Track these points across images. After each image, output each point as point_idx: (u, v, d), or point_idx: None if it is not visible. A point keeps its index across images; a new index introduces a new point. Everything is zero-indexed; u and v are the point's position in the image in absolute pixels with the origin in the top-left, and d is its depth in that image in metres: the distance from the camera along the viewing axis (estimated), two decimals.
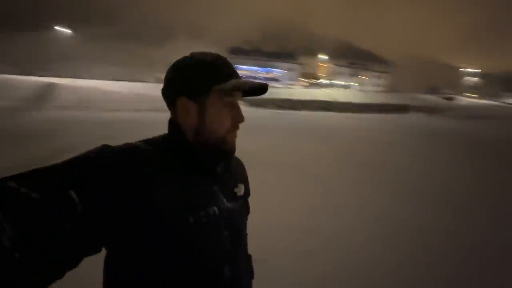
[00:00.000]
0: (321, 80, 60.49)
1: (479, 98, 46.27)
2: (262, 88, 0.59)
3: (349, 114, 19.84)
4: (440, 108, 26.63)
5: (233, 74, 0.59)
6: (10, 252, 0.37)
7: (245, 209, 0.71)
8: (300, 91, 39.60)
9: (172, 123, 0.60)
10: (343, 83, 57.94)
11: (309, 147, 7.62)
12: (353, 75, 62.30)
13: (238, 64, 76.45)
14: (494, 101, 42.22)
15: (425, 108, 25.43)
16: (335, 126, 13.08)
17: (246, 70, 77.49)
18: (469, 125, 16.69)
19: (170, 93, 0.59)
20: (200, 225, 0.54)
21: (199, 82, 0.56)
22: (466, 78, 65.25)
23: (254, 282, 0.75)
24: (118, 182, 0.47)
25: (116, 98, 16.52)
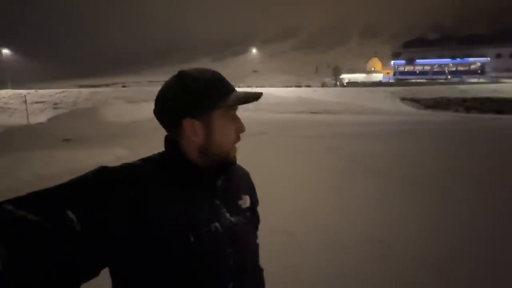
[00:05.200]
0: None
1: None
2: (256, 97, 0.59)
3: None
4: None
5: (231, 86, 0.59)
6: (3, 275, 0.36)
7: (252, 220, 0.69)
8: None
9: (170, 141, 0.59)
10: None
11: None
12: None
13: (417, 59, 64.16)
14: None
15: None
16: None
17: (427, 65, 63.68)
18: None
19: (171, 115, 0.57)
20: (202, 243, 0.53)
21: (204, 100, 0.55)
22: None
23: None
24: (115, 201, 0.47)
25: (284, 102, 19.30)
